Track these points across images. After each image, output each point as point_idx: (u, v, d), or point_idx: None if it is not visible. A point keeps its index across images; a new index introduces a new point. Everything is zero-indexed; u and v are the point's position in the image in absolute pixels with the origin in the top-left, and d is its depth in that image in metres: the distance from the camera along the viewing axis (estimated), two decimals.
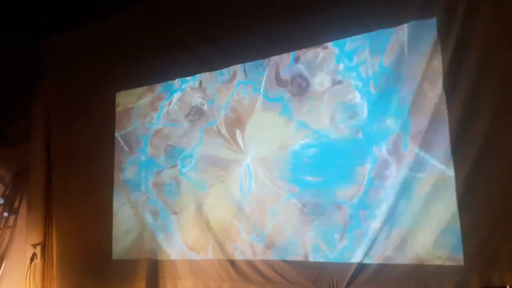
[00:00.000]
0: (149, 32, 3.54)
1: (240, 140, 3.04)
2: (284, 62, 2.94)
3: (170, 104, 3.40)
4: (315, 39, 2.83)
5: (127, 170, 3.58)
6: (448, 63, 2.35)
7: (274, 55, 2.97)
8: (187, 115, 3.31)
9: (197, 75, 3.28)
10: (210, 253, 3.05)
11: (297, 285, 2.73)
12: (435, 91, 2.39)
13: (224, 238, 3.00)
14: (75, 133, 3.88)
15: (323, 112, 2.75)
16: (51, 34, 4.07)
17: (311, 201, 2.73)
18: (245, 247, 2.92)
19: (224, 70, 3.18)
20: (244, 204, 2.96)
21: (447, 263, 2.30)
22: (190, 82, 3.33)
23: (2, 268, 3.89)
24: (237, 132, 3.05)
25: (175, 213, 3.26)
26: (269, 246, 2.84)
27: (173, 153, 3.33)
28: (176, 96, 3.38)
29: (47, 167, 3.98)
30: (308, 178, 2.76)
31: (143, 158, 3.50)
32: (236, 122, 3.07)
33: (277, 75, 2.95)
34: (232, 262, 2.94)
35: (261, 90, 2.99)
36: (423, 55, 2.44)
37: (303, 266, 2.73)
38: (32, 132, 4.09)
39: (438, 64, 2.39)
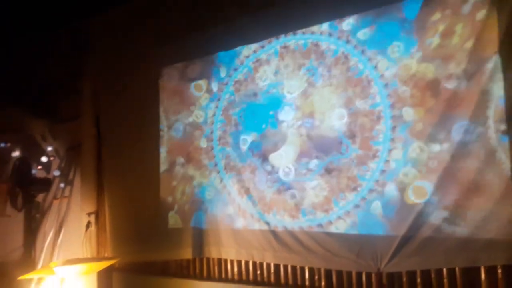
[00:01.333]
0: (189, 7, 3.54)
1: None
2: None
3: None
4: None
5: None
6: None
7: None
8: None
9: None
10: (253, 223, 3.09)
11: (339, 256, 2.73)
12: None
13: (267, 208, 3.04)
14: (122, 107, 4.00)
15: None
16: (97, 12, 4.16)
17: None
18: (288, 218, 2.94)
19: None
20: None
21: (498, 237, 2.19)
22: None
23: (61, 235, 4.19)
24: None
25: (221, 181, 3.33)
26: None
27: None
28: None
29: (98, 139, 4.15)
30: None
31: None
32: None
33: None
34: (274, 233, 2.97)
35: None
36: None
37: (346, 238, 2.71)
38: (82, 108, 4.27)
39: None
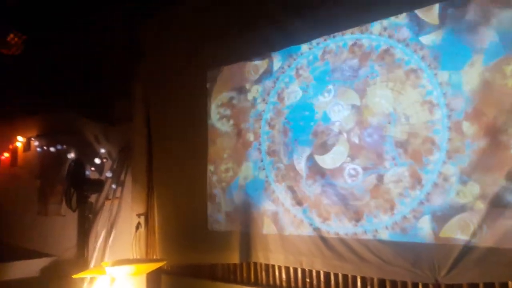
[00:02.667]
0: (236, 8, 3.53)
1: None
2: None
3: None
4: None
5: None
6: None
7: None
8: None
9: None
10: (301, 228, 3.01)
11: (393, 265, 2.59)
12: None
13: (316, 214, 2.95)
14: (171, 110, 4.06)
15: None
16: (148, 17, 4.27)
17: None
18: (337, 224, 2.83)
19: None
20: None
21: None
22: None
23: (112, 235, 4.29)
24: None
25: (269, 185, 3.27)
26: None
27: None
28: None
29: (148, 142, 4.23)
30: None
31: None
32: None
33: None
34: (324, 239, 2.87)
35: None
36: None
37: (400, 246, 2.57)
38: (134, 111, 4.38)
39: None
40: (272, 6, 3.30)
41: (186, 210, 3.82)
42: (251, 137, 3.43)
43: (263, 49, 3.40)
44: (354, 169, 2.80)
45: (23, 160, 6.07)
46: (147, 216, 4.15)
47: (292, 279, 3.09)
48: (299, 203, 3.04)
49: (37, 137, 5.74)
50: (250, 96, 3.48)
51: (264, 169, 3.31)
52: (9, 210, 6.07)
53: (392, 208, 2.62)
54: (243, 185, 3.43)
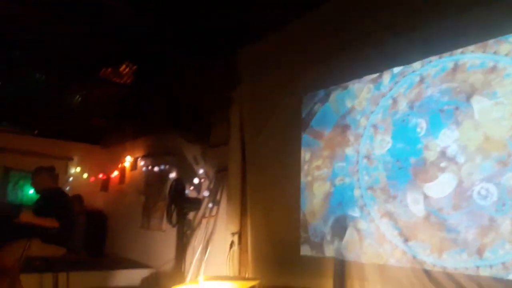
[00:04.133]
0: (334, 33, 3.59)
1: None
2: None
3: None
4: None
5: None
6: None
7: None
8: None
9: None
10: (403, 259, 2.89)
11: None
12: None
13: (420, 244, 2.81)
14: (265, 134, 4.21)
15: None
16: (244, 43, 4.52)
17: None
18: (446, 256, 2.66)
19: None
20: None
21: None
22: None
23: (207, 252, 4.51)
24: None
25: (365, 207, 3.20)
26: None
27: None
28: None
29: (243, 165, 4.42)
30: None
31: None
32: None
33: None
34: (429, 273, 2.71)
35: None
36: None
37: None
38: (230, 135, 4.61)
39: None
40: (372, 26, 3.28)
41: (279, 232, 3.88)
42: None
43: (359, 72, 3.38)
44: (463, 197, 2.63)
45: (130, 178, 6.68)
46: (241, 235, 4.28)
47: None
48: (401, 233, 2.93)
49: (143, 157, 6.30)
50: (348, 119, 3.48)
51: (362, 196, 3.25)
52: (116, 223, 6.69)
53: None
54: (338, 212, 3.41)
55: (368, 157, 3.25)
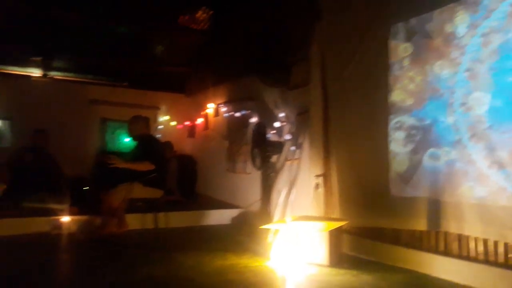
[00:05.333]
0: None
1: None
2: None
3: None
4: None
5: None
6: None
7: None
8: None
9: None
10: (505, 199, 2.67)
11: None
12: None
13: None
14: (349, 73, 4.02)
15: None
16: None
17: None
18: None
19: None
20: None
21: None
22: None
23: (292, 193, 4.59)
24: None
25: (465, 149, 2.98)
26: None
27: None
28: None
29: (325, 106, 4.30)
30: None
31: None
32: None
33: None
34: None
35: None
36: None
37: None
38: (311, 75, 4.47)
39: None
40: None
41: (366, 173, 3.80)
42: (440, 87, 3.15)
43: None
44: None
45: (213, 124, 6.91)
46: (325, 176, 4.27)
47: (491, 253, 2.81)
48: (502, 166, 2.68)
49: (224, 103, 6.43)
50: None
51: (457, 128, 3.00)
52: (204, 166, 7.06)
53: None
54: (431, 147, 3.20)
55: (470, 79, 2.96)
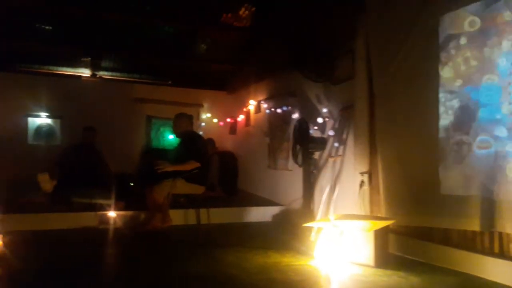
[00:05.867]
0: None
1: None
2: None
3: None
4: None
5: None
6: None
7: None
8: None
9: None
10: None
11: None
12: None
13: None
14: (396, 66, 3.85)
15: None
16: None
17: None
18: None
19: None
20: None
21: None
22: None
23: (336, 191, 4.48)
24: None
25: None
26: None
27: None
28: None
29: (370, 100, 4.15)
30: None
31: None
32: None
33: None
34: None
35: None
36: None
37: None
38: (355, 68, 4.33)
39: None
40: None
41: (414, 171, 3.62)
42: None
43: None
44: None
45: (255, 120, 6.90)
46: (371, 174, 4.13)
47: None
48: None
49: (266, 100, 6.40)
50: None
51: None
52: (245, 163, 7.07)
53: None
54: (486, 141, 3.00)
55: None
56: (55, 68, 7.31)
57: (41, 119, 7.00)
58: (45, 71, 7.23)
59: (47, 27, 6.31)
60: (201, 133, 7.22)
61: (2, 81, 6.68)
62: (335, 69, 4.67)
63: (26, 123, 6.91)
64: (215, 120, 7.96)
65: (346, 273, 3.15)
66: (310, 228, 4.16)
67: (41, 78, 7.07)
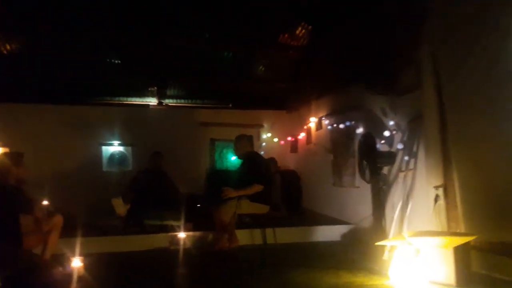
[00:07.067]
0: None
1: None
2: None
3: None
4: None
5: None
6: None
7: None
8: None
9: None
10: None
11: None
12: None
13: None
14: (466, 73, 3.63)
15: None
16: None
17: None
18: None
19: None
20: None
21: None
22: None
23: (409, 207, 4.24)
24: None
25: None
26: None
27: None
28: None
29: (440, 110, 3.92)
30: None
31: None
32: None
33: None
34: None
35: None
36: None
37: None
38: (421, 79, 4.14)
39: None
40: None
41: (495, 181, 3.35)
42: None
43: None
44: None
45: (316, 137, 6.82)
46: (446, 188, 3.86)
47: None
48: None
49: (327, 116, 6.31)
50: None
51: None
52: (308, 181, 6.97)
53: None
54: None
55: None
56: (124, 98, 7.79)
57: (114, 147, 7.43)
58: (116, 102, 7.74)
59: (116, 61, 6.77)
60: (262, 153, 7.26)
61: (78, 113, 7.21)
62: (399, 80, 4.50)
63: (100, 151, 7.36)
64: (275, 140, 7.97)
65: None
66: (382, 247, 3.99)
67: (112, 109, 7.56)
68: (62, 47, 6.15)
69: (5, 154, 4.03)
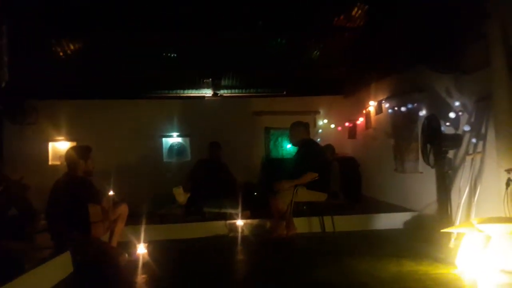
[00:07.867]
0: None
1: None
2: None
3: None
4: None
5: None
6: None
7: None
8: None
9: None
10: None
11: None
12: None
13: None
14: None
15: None
16: None
17: None
18: None
19: None
20: None
21: None
22: None
23: (477, 192, 3.96)
24: None
25: None
26: None
27: None
28: None
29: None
30: None
31: None
32: None
33: None
34: None
35: None
36: None
37: None
38: (491, 54, 3.81)
39: None
40: None
41: None
42: None
43: None
44: None
45: (376, 122, 6.57)
46: None
47: None
48: None
49: (387, 99, 6.04)
50: None
51: None
52: (367, 167, 6.75)
53: None
54: None
55: None
56: (181, 91, 8.01)
57: (173, 139, 7.67)
58: (173, 95, 7.97)
59: (172, 55, 6.95)
60: (318, 140, 7.13)
61: (138, 107, 7.52)
62: (465, 57, 4.17)
63: (160, 143, 7.63)
64: (332, 126, 7.80)
65: (495, 282, 2.82)
66: (448, 234, 3.80)
67: (170, 102, 7.81)
68: (121, 45, 6.42)
69: (73, 148, 4.28)
